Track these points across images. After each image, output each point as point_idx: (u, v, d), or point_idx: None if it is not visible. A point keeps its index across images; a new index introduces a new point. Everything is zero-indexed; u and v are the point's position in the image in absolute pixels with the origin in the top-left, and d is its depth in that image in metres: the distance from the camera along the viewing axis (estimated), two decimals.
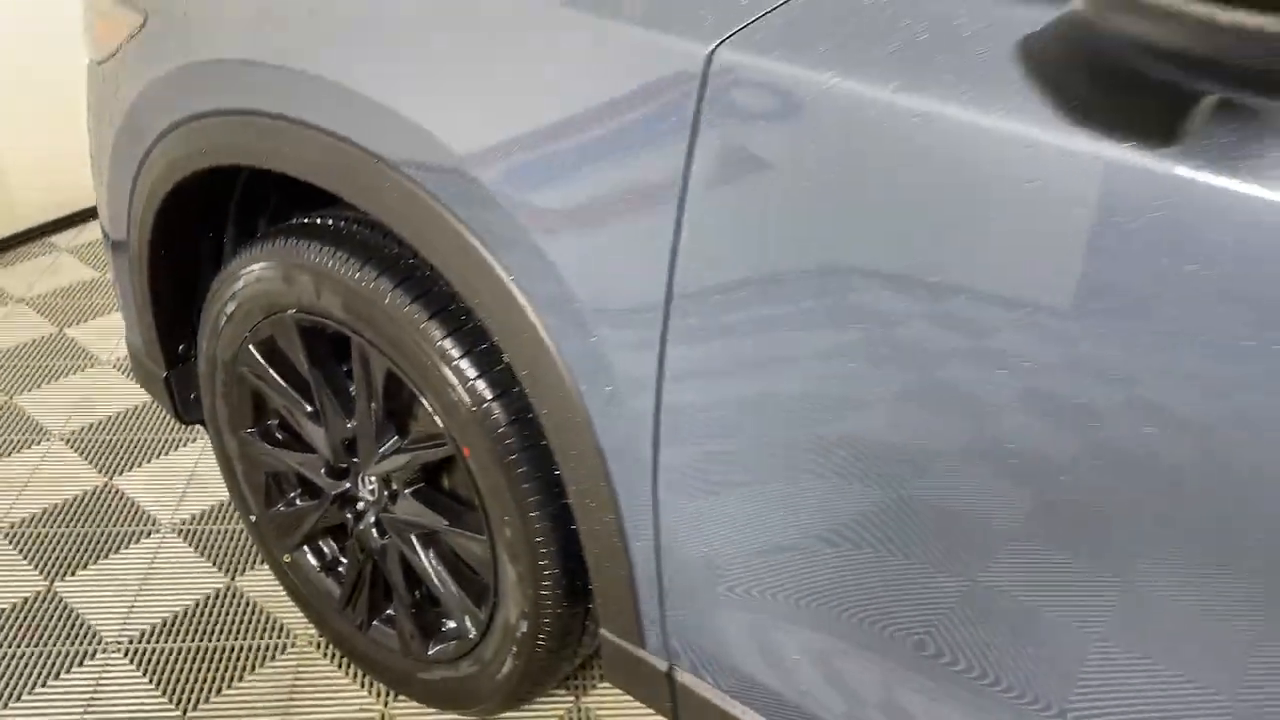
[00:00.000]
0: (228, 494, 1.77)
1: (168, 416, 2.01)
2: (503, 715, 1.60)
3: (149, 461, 2.12)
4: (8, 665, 1.66)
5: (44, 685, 1.64)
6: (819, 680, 1.09)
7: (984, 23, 0.79)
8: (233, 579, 1.85)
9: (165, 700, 1.62)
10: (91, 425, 2.23)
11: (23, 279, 2.83)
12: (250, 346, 1.49)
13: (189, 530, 1.95)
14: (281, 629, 1.75)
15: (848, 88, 0.84)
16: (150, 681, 1.65)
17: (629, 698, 1.40)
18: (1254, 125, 0.68)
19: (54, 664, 1.68)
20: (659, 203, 0.96)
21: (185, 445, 2.17)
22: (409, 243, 1.20)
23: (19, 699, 1.61)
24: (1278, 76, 0.59)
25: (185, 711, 1.61)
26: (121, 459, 2.13)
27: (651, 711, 1.28)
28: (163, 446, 2.16)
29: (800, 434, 0.97)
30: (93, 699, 1.62)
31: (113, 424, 2.23)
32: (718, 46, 0.91)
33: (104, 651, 1.70)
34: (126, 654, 1.70)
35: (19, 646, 1.69)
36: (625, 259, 1.01)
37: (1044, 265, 0.77)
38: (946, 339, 0.84)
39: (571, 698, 1.64)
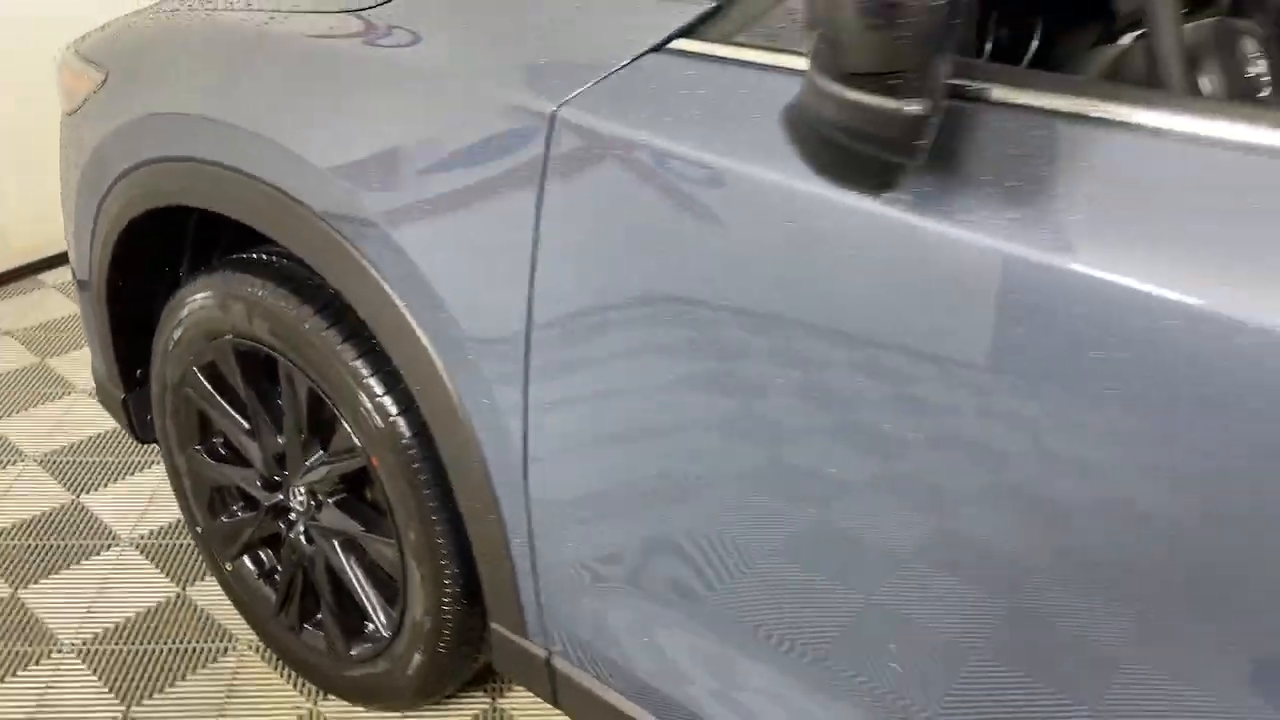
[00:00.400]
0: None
1: (133, 440, 2.16)
2: (424, 715, 1.73)
3: (115, 482, 2.27)
4: None
5: (2, 682, 1.78)
6: (677, 666, 1.23)
7: (765, 95, 0.95)
8: (183, 588, 1.99)
9: (113, 697, 1.76)
10: (65, 448, 2.38)
11: (11, 312, 3.00)
12: (194, 369, 1.65)
13: (146, 544, 2.10)
14: (224, 634, 1.89)
15: (658, 143, 1.00)
16: (100, 680, 1.79)
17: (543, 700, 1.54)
18: (948, 178, 0.84)
19: (12, 663, 1.82)
20: (517, 244, 1.12)
21: (149, 468, 2.31)
22: (322, 274, 1.36)
23: None
24: (898, 141, 0.75)
25: (129, 707, 1.74)
26: (90, 479, 2.28)
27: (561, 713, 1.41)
28: (129, 468, 2.31)
29: (644, 449, 1.12)
30: (46, 693, 1.76)
31: (84, 447, 2.39)
32: (561, 106, 1.07)
33: (59, 652, 1.84)
34: (80, 655, 1.84)
35: None
36: (494, 293, 1.17)
37: (805, 290, 0.93)
38: (744, 360, 0.99)
39: (488, 699, 1.77)
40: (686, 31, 1.04)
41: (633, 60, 1.05)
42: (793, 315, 0.93)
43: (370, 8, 1.31)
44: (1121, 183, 0.80)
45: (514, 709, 1.75)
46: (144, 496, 2.23)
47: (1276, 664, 0.78)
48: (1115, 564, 0.83)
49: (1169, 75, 0.98)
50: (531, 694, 1.69)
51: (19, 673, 1.80)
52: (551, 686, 1.37)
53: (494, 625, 1.41)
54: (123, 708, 1.74)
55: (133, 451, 2.35)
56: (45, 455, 2.36)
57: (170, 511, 2.16)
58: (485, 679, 1.78)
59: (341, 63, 1.29)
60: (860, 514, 0.97)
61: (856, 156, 0.83)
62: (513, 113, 1.11)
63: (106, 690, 1.77)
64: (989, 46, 1.32)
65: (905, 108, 0.74)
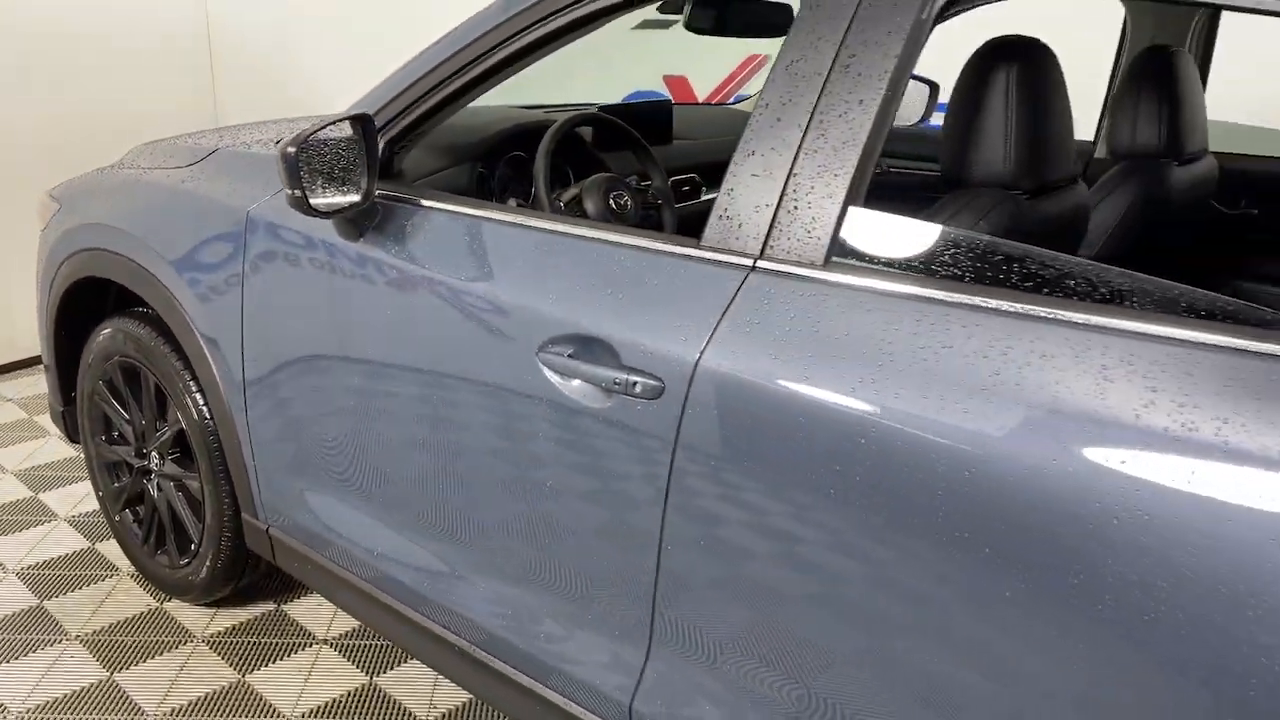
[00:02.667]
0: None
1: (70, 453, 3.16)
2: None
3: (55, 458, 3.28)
4: None
5: None
6: (344, 531, 2.18)
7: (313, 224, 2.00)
8: (94, 545, 2.97)
9: (32, 596, 2.71)
10: (31, 456, 3.40)
11: (20, 388, 4.07)
12: (99, 381, 2.68)
13: (80, 522, 3.08)
14: (110, 565, 2.85)
15: (308, 238, 2.04)
16: (32, 594, 2.75)
17: (317, 603, 2.48)
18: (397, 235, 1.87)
19: None
20: (233, 308, 2.15)
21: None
22: (162, 316, 2.40)
23: None
24: (348, 223, 1.78)
25: (42, 601, 2.69)
26: (55, 477, 3.29)
27: (314, 604, 2.35)
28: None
29: (306, 408, 2.10)
30: None
31: (46, 451, 3.40)
32: (251, 208, 2.12)
33: (6, 577, 2.81)
34: (21, 578, 2.80)
35: None
36: (227, 333, 2.20)
37: (359, 321, 1.95)
38: (349, 361, 2.00)
39: (273, 604, 2.71)
40: None
41: None
42: (365, 338, 1.95)
43: (189, 165, 2.40)
44: (488, 246, 1.81)
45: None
46: (83, 487, 3.22)
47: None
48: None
49: (540, 201, 2.03)
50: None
51: None
52: (271, 550, 2.33)
53: (243, 515, 2.38)
54: (38, 601, 2.69)
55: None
56: (20, 470, 3.37)
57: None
58: (261, 581, 2.72)
59: (167, 193, 2.37)
60: (434, 437, 1.92)
61: (340, 232, 1.87)
62: (231, 213, 2.16)
63: (30, 593, 2.73)
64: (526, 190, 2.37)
65: (347, 200, 1.78)
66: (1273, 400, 1.06)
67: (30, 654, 2.49)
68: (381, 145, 1.93)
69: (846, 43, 1.41)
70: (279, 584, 2.76)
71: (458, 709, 2.33)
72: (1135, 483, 1.09)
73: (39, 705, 2.31)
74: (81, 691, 2.36)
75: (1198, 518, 1.06)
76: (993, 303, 1.25)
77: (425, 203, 1.88)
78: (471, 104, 1.99)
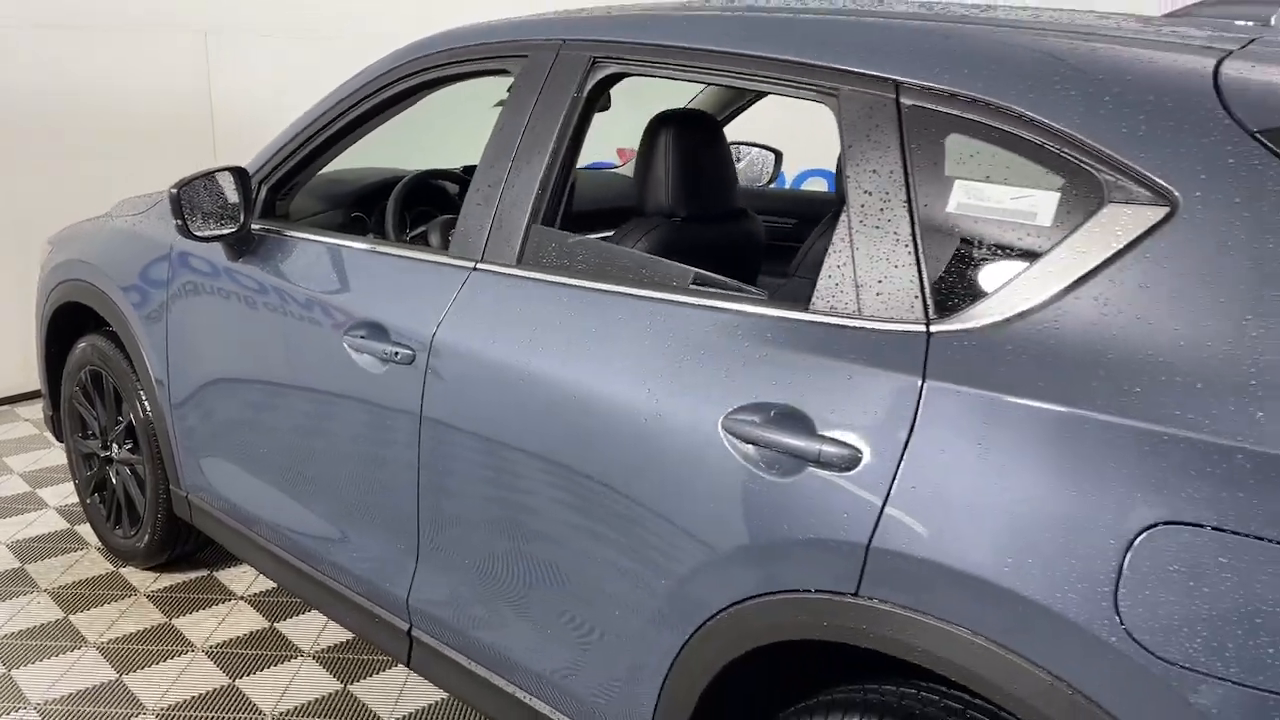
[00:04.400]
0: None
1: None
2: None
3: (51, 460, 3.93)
4: None
5: None
6: (246, 495, 2.78)
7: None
8: (73, 527, 3.60)
9: (16, 560, 3.34)
10: (37, 460, 4.06)
11: (36, 411, 4.78)
12: (76, 387, 3.34)
13: (65, 510, 3.73)
14: (83, 541, 3.48)
15: (211, 264, 2.69)
16: (16, 559, 3.38)
17: (245, 569, 3.09)
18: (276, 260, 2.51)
19: None
20: (161, 321, 2.80)
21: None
22: (117, 331, 3.05)
23: None
24: (230, 245, 2.42)
25: (23, 565, 3.32)
26: (54, 475, 3.94)
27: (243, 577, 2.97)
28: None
29: (213, 398, 2.74)
30: None
31: (49, 457, 4.06)
32: (174, 240, 2.78)
33: None
34: (10, 548, 3.44)
35: None
36: (155, 343, 2.84)
37: (253, 318, 2.59)
38: (241, 356, 2.64)
39: (206, 570, 3.31)
40: None
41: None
42: (257, 327, 2.59)
43: (141, 211, 3.06)
44: (325, 264, 2.44)
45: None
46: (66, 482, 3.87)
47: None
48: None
49: (388, 234, 2.66)
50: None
51: None
52: (190, 513, 2.94)
53: (171, 487, 2.99)
54: (19, 564, 3.32)
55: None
56: (28, 472, 4.03)
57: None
58: (195, 551, 3.32)
59: (122, 234, 3.04)
60: (286, 412, 2.53)
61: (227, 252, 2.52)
62: (162, 248, 2.82)
63: (15, 559, 3.36)
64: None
65: (225, 230, 2.42)
66: (725, 341, 1.62)
67: (6, 600, 3.11)
68: (264, 191, 2.58)
69: (531, 115, 2.02)
70: (207, 551, 3.36)
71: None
72: (697, 418, 1.66)
73: (8, 634, 2.92)
74: (40, 627, 2.97)
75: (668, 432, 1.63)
76: (613, 288, 1.83)
77: (289, 233, 2.52)
78: (352, 166, 2.64)
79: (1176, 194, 1.30)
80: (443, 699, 2.67)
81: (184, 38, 5.12)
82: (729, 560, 1.59)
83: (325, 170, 2.77)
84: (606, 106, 2.61)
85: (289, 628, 3.00)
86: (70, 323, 3.36)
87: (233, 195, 2.46)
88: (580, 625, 1.87)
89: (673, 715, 1.73)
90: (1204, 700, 1.16)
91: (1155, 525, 1.20)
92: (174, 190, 2.40)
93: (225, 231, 2.47)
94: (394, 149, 2.93)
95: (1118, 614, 1.21)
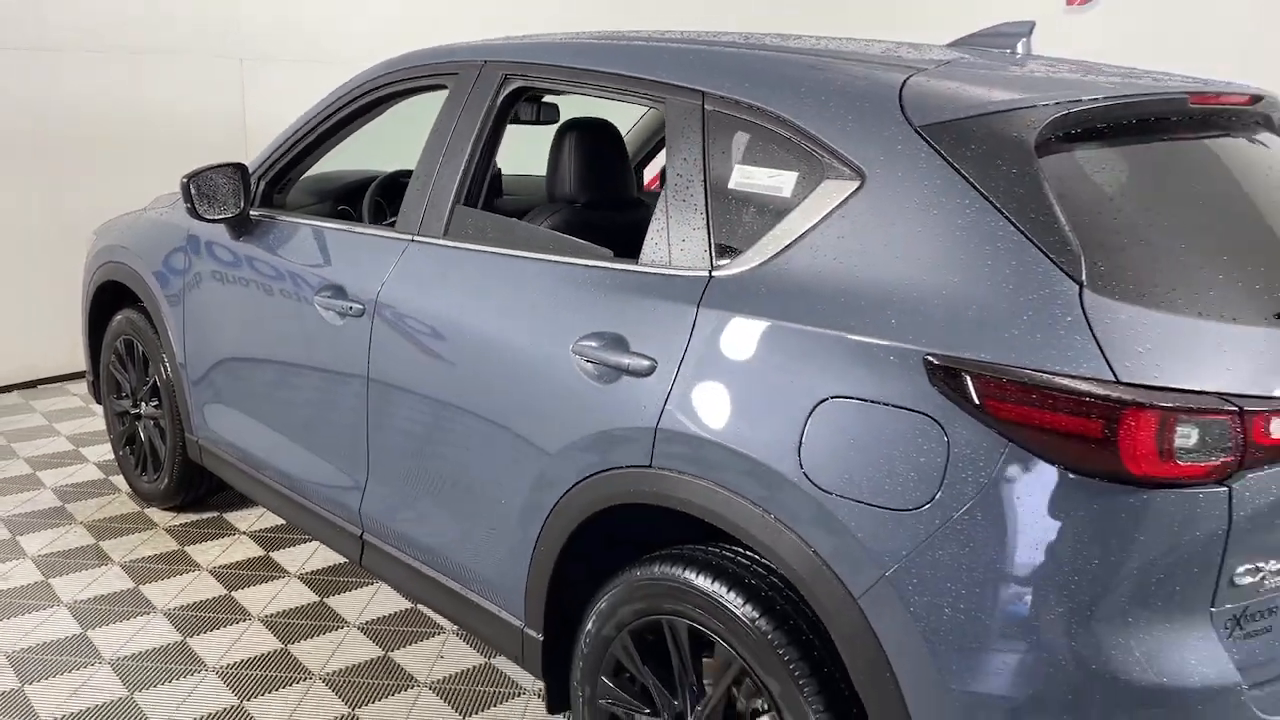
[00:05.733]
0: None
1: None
2: (190, 522, 3.85)
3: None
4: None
5: None
6: (244, 436, 3.36)
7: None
8: (107, 477, 4.20)
9: (58, 501, 3.94)
10: (81, 426, 4.68)
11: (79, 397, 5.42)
12: (113, 354, 3.95)
13: (103, 465, 4.33)
14: (115, 488, 4.08)
15: (218, 243, 3.29)
16: (59, 500, 3.98)
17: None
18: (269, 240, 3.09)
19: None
20: (179, 295, 3.40)
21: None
22: (145, 304, 3.66)
23: None
24: (231, 226, 3.01)
25: (64, 504, 3.92)
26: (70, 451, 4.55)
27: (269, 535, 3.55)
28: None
29: (217, 353, 3.32)
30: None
31: (98, 423, 4.68)
32: (190, 225, 3.37)
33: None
34: (54, 492, 4.04)
35: None
36: (175, 321, 3.44)
37: (246, 291, 3.17)
38: (237, 320, 3.22)
39: (216, 512, 3.88)
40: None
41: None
42: (252, 300, 3.18)
43: (169, 205, 3.66)
44: (308, 242, 3.02)
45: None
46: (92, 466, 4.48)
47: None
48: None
49: (366, 221, 3.24)
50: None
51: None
52: (200, 454, 3.52)
53: (185, 434, 3.58)
54: (59, 503, 3.92)
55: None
56: (31, 458, 4.66)
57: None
58: (211, 493, 3.90)
59: (151, 222, 3.65)
60: (275, 363, 3.11)
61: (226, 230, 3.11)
62: (181, 233, 3.42)
63: (58, 501, 3.96)
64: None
65: (227, 213, 3.01)
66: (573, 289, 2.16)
67: (44, 531, 3.71)
68: (262, 185, 3.17)
69: (458, 119, 2.58)
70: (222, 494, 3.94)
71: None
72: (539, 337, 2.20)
73: (45, 554, 3.52)
74: (74, 549, 3.56)
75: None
76: (510, 252, 2.37)
77: (280, 218, 3.10)
78: (340, 169, 3.22)
79: (865, 171, 1.82)
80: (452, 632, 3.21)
81: (222, 64, 5.78)
82: (574, 449, 2.11)
83: (317, 172, 3.35)
84: (530, 120, 3.15)
85: (281, 555, 3.56)
86: (109, 300, 3.96)
87: (234, 186, 3.04)
88: (480, 516, 2.40)
89: (539, 580, 2.25)
90: (843, 513, 1.66)
91: (825, 400, 1.71)
92: (185, 180, 2.99)
93: (226, 215, 3.05)
94: (372, 154, 3.50)
95: (799, 461, 1.72)
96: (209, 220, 3.06)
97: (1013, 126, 1.74)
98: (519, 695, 2.79)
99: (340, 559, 3.49)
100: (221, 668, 2.89)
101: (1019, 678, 1.56)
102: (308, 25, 6.03)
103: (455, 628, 3.04)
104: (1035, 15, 5.46)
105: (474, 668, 2.91)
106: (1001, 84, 1.88)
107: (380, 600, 3.25)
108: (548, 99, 3.07)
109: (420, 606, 3.17)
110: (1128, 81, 1.98)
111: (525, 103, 2.75)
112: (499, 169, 4.33)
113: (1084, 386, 1.50)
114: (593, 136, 2.73)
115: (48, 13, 5.21)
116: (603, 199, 2.71)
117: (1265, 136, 2.15)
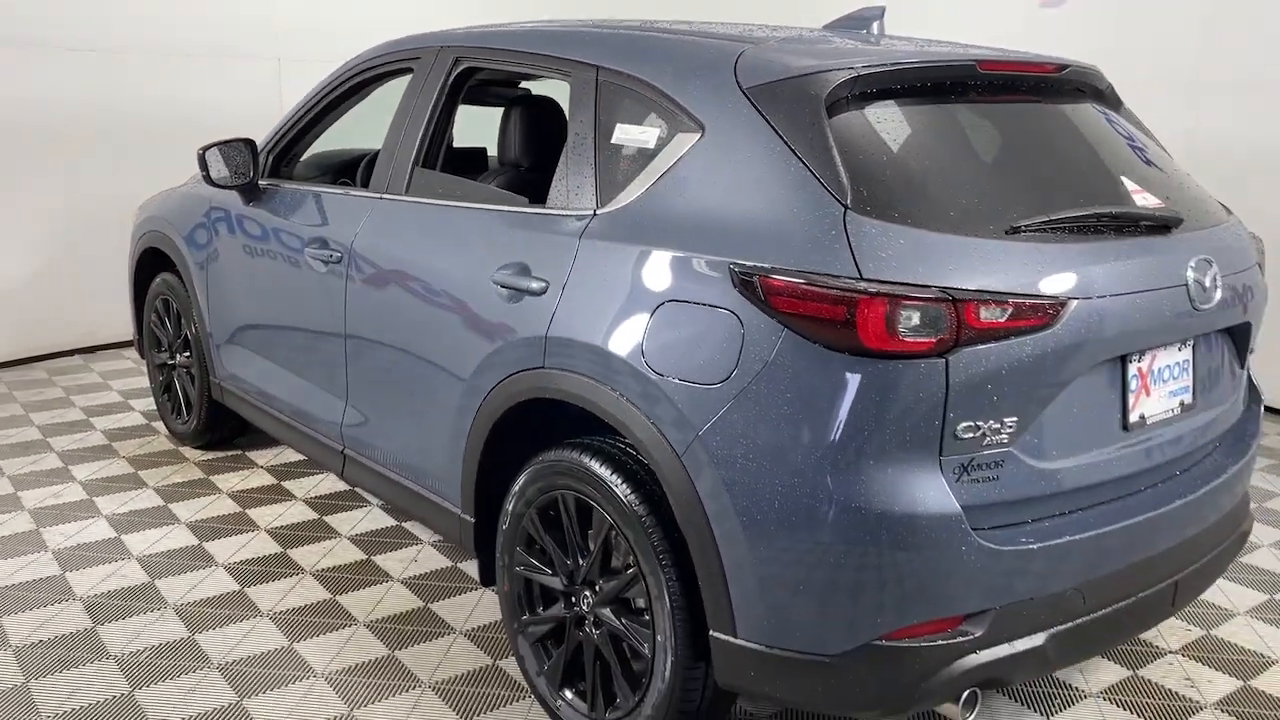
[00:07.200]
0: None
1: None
2: (216, 463, 4.40)
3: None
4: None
5: None
6: (260, 376, 3.90)
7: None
8: (149, 423, 4.78)
9: (105, 439, 4.53)
10: (133, 383, 5.28)
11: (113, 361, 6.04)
12: (153, 313, 4.53)
13: (146, 412, 4.92)
14: (155, 431, 4.66)
15: (233, 210, 3.84)
16: (106, 440, 4.57)
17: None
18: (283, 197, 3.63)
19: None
20: (203, 258, 3.96)
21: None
22: (178, 268, 4.22)
23: None
24: (241, 190, 3.55)
25: (111, 443, 4.51)
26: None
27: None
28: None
29: (235, 312, 3.87)
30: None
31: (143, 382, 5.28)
32: (211, 195, 3.92)
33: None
34: (103, 433, 4.64)
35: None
36: (200, 284, 4.00)
37: (260, 251, 3.72)
38: (254, 276, 3.77)
39: (239, 451, 4.44)
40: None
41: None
42: (263, 263, 3.73)
43: (198, 179, 4.23)
44: (307, 204, 3.55)
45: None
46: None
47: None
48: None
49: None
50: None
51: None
52: (222, 394, 4.07)
53: (210, 377, 4.13)
54: (112, 449, 4.51)
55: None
56: (64, 452, 5.27)
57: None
58: (235, 435, 4.45)
59: (183, 195, 4.22)
60: (280, 308, 3.64)
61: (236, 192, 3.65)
62: (205, 204, 3.97)
63: (117, 458, 4.55)
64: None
65: (239, 180, 3.56)
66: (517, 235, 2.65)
67: (92, 462, 4.29)
68: (270, 158, 3.70)
69: (419, 96, 3.08)
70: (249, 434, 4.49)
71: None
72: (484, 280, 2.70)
73: (91, 479, 4.10)
74: (115, 477, 4.14)
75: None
76: (455, 204, 2.86)
77: (284, 186, 3.63)
78: (341, 147, 3.76)
79: (705, 124, 2.27)
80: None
81: (261, 64, 6.38)
82: (493, 358, 2.59)
83: (322, 150, 3.89)
84: (484, 102, 3.66)
85: (292, 484, 4.10)
86: (150, 265, 4.54)
87: (244, 157, 3.58)
88: (429, 424, 2.89)
89: (470, 472, 2.73)
90: (670, 390, 2.13)
91: (661, 304, 2.17)
92: (201, 151, 3.53)
93: (237, 182, 3.59)
94: (373, 135, 4.01)
95: (642, 353, 2.18)
96: (220, 186, 3.60)
97: (811, 86, 2.18)
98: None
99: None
100: (236, 577, 3.42)
101: (792, 507, 2.00)
102: (340, 28, 6.60)
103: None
104: (1009, 14, 5.85)
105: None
106: (815, 54, 2.32)
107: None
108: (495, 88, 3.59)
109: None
110: (925, 50, 2.41)
111: (476, 85, 3.24)
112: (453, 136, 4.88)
113: (834, 283, 1.94)
114: (536, 108, 3.21)
115: (111, 18, 5.84)
116: (540, 162, 3.19)
117: (1083, 103, 2.56)
